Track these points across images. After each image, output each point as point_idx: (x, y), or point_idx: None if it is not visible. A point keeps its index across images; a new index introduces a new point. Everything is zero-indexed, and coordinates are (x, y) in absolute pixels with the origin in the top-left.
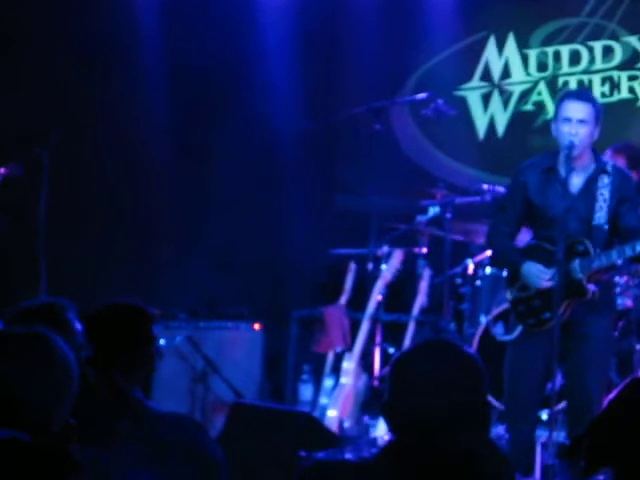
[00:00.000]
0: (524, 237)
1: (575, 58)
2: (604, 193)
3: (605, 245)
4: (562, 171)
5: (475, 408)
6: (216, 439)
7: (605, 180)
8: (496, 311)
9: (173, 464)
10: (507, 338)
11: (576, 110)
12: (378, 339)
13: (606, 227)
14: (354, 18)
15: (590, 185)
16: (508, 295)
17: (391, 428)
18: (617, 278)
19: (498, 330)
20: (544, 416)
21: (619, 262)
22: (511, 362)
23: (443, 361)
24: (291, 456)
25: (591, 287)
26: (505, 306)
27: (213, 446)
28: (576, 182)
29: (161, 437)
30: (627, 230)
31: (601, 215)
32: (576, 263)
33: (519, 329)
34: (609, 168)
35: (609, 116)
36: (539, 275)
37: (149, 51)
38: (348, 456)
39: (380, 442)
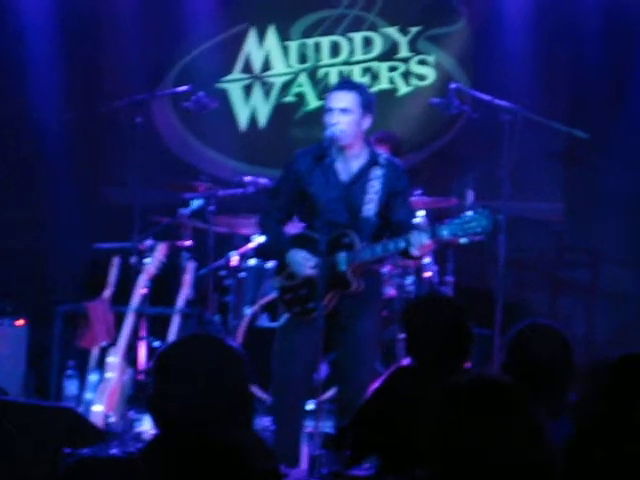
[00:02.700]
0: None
1: (335, 49)
2: (375, 185)
3: (373, 237)
4: (332, 160)
5: (238, 401)
6: None
7: (377, 172)
8: (262, 302)
9: None
10: (273, 325)
11: (338, 100)
12: (143, 333)
13: (374, 220)
14: (115, 10)
15: (361, 176)
16: (276, 283)
17: (155, 423)
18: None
19: (264, 321)
20: (310, 406)
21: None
22: (278, 351)
23: (206, 355)
24: (55, 452)
25: (355, 280)
26: (270, 297)
27: None
28: (347, 172)
29: None
30: (397, 224)
31: (370, 207)
32: (341, 255)
33: (286, 317)
34: (382, 160)
35: None
36: (303, 263)
37: None
38: (113, 451)
39: (145, 437)
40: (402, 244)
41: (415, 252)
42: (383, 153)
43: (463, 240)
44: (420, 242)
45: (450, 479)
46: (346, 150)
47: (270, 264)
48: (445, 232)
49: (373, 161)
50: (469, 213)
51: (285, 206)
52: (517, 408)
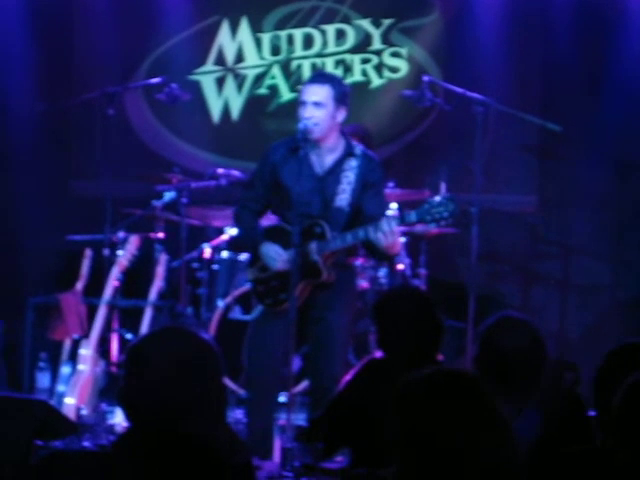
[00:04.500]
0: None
1: (308, 42)
2: (349, 176)
3: (345, 228)
4: (307, 153)
5: (211, 393)
6: None
7: (352, 163)
8: (234, 294)
9: None
10: (246, 318)
11: (311, 93)
12: (115, 325)
13: (347, 210)
14: (88, 1)
15: (336, 167)
16: (249, 275)
17: (127, 415)
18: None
19: (236, 313)
20: (283, 399)
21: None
22: (250, 342)
23: (178, 347)
24: (27, 445)
25: (326, 269)
26: (243, 289)
27: None
28: (323, 164)
29: None
30: (367, 216)
31: (343, 197)
32: (313, 245)
33: (259, 309)
34: (357, 152)
35: None
36: (275, 257)
37: None
38: (85, 444)
39: (118, 429)
40: (372, 231)
41: (382, 239)
42: (359, 145)
43: (432, 225)
44: (389, 228)
45: (413, 473)
46: (321, 143)
47: (243, 256)
48: (413, 217)
49: (348, 153)
50: (436, 199)
51: (261, 197)
52: (479, 400)
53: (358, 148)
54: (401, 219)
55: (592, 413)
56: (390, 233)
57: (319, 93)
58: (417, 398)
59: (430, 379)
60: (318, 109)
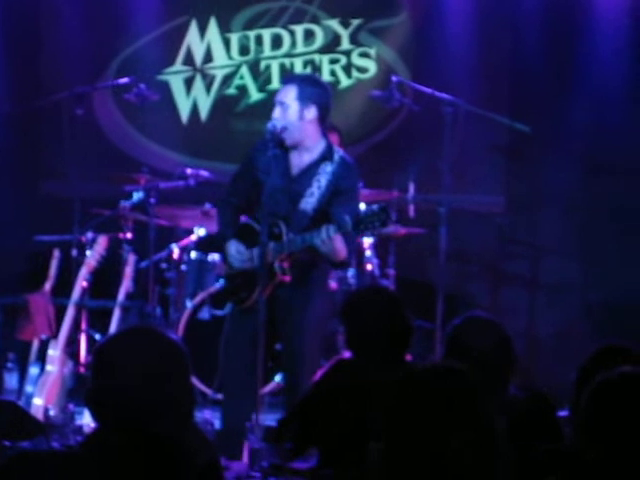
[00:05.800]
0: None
1: (277, 42)
2: (321, 181)
3: (306, 231)
4: (281, 152)
5: (179, 393)
6: None
7: (327, 168)
8: (203, 294)
9: None
10: (218, 313)
11: (279, 93)
12: (84, 326)
13: (310, 214)
14: (55, 0)
15: (310, 169)
16: (223, 271)
17: (95, 416)
18: None
19: (204, 314)
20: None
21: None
22: (223, 341)
23: (145, 348)
24: None
25: (280, 270)
26: (211, 289)
27: None
28: (298, 164)
29: None
30: (332, 222)
31: (309, 201)
32: (270, 246)
33: (230, 307)
34: (336, 157)
35: None
36: (235, 256)
37: None
38: (53, 444)
39: (86, 430)
40: (315, 237)
41: (321, 246)
42: (339, 150)
43: (367, 233)
44: (326, 236)
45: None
46: (299, 142)
47: (211, 257)
48: (348, 225)
49: (326, 156)
50: (371, 208)
51: (243, 192)
52: (471, 394)
53: (337, 154)
54: (338, 226)
55: (562, 413)
56: (327, 241)
57: (283, 93)
58: (416, 390)
59: (431, 372)
60: (282, 109)
